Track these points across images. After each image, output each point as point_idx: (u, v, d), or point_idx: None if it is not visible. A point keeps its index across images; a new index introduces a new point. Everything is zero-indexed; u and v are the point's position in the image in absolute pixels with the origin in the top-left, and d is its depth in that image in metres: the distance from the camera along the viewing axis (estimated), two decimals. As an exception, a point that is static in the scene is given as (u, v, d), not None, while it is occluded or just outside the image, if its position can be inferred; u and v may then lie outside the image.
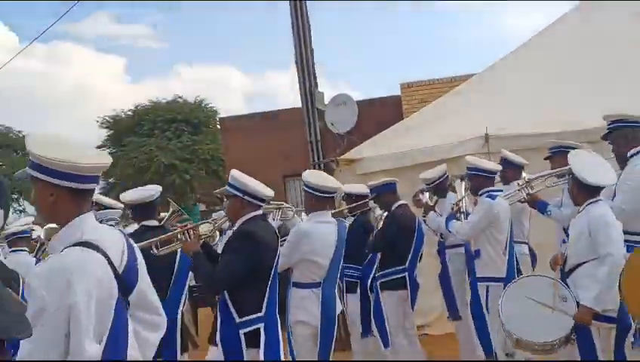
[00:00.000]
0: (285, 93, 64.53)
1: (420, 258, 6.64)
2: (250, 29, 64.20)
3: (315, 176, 5.51)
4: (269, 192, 4.58)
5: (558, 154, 5.99)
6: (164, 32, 63.56)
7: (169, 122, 28.29)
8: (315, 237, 5.12)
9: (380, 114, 13.99)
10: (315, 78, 11.60)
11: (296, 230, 5.23)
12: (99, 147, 31.17)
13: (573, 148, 5.46)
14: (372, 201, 6.80)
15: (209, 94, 46.06)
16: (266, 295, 4.27)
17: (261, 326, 4.23)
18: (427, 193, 6.89)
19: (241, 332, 4.17)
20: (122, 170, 28.38)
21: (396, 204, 6.58)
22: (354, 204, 6.81)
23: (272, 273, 4.35)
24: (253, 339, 4.19)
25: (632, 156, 5.06)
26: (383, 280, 6.42)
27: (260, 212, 4.51)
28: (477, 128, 8.16)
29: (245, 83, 59.10)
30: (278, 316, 4.41)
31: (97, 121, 32.04)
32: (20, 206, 32.80)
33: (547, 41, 10.24)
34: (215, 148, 26.43)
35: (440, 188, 7.01)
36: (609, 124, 5.27)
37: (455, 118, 9.32)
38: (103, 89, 56.46)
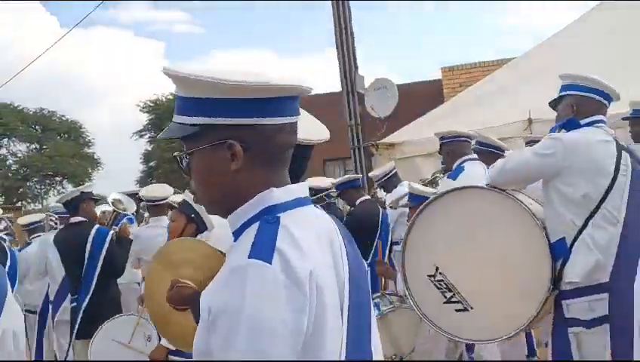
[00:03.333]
0: (326, 77, 63.91)
1: (390, 250, 6.76)
2: (286, 13, 64.19)
3: (146, 191, 6.82)
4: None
5: None
6: (200, 17, 64.84)
7: None
8: (143, 239, 6.31)
9: (420, 98, 14.08)
10: (355, 61, 11.61)
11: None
12: (139, 132, 33.22)
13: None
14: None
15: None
16: None
17: None
18: (381, 189, 7.43)
19: None
20: (162, 154, 29.29)
21: (360, 200, 6.82)
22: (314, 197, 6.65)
23: None
24: None
25: None
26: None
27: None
28: (519, 112, 8.10)
29: (282, 67, 62.33)
30: None
31: (138, 106, 33.14)
32: None
33: (591, 25, 10.05)
34: None
35: (389, 183, 7.36)
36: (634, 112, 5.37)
37: (496, 102, 9.25)
38: (142, 73, 58.26)
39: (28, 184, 33.89)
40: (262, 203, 1.46)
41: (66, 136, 35.28)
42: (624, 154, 3.83)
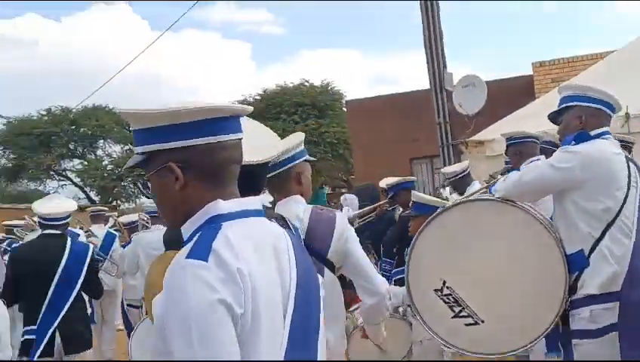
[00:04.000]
0: (411, 76, 50.81)
1: None
2: (372, 12, 53.56)
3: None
4: None
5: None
6: (286, 17, 56.57)
7: (296, 106, 27.88)
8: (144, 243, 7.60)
9: (510, 94, 13.75)
10: (444, 59, 11.86)
11: None
12: None
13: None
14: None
15: (333, 78, 39.53)
16: None
17: None
18: (448, 188, 7.33)
19: None
20: None
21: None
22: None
23: None
24: None
25: None
26: (396, 277, 6.40)
27: None
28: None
29: (369, 66, 57.33)
30: None
31: None
32: None
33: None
34: (341, 131, 25.71)
35: (461, 183, 7.07)
36: None
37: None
38: (230, 74, 55.91)
39: (122, 184, 32.70)
40: (208, 213, 1.65)
41: None
42: (632, 165, 3.87)
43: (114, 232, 9.21)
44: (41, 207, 5.49)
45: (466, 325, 3.83)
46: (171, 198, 1.69)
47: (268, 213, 1.87)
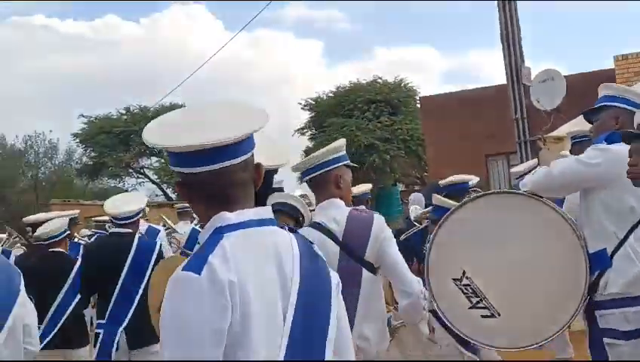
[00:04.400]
0: (486, 71, 54.61)
1: None
2: (446, 8, 52.92)
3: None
4: None
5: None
6: (359, 15, 56.39)
7: (369, 103, 27.68)
8: None
9: (591, 88, 13.86)
10: (521, 53, 11.68)
11: None
12: (301, 129, 31.64)
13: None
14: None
15: (407, 75, 36.83)
16: None
17: None
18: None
19: None
20: None
21: None
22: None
23: None
24: None
25: None
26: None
27: None
28: None
29: (443, 62, 57.11)
30: None
31: (300, 104, 30.82)
32: None
33: None
34: (414, 127, 25.27)
35: None
36: None
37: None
38: (303, 73, 56.08)
39: None
40: (214, 224, 1.82)
41: None
42: None
43: (199, 229, 9.17)
44: (111, 207, 5.68)
45: (482, 317, 3.83)
46: (194, 210, 2.00)
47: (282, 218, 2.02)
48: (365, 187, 7.50)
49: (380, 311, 3.55)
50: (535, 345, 3.84)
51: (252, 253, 1.79)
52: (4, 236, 9.61)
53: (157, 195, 32.79)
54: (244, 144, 1.83)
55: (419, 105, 24.15)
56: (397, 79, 29.81)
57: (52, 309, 5.57)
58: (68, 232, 6.19)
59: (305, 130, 32.79)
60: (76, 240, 8.16)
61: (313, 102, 31.98)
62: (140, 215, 5.86)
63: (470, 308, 3.85)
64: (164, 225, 8.82)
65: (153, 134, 1.87)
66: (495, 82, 15.65)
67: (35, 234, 5.82)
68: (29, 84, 56.88)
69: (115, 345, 5.16)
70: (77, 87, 56.51)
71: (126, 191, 26.51)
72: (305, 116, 32.28)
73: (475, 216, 3.95)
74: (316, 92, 33.07)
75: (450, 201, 5.09)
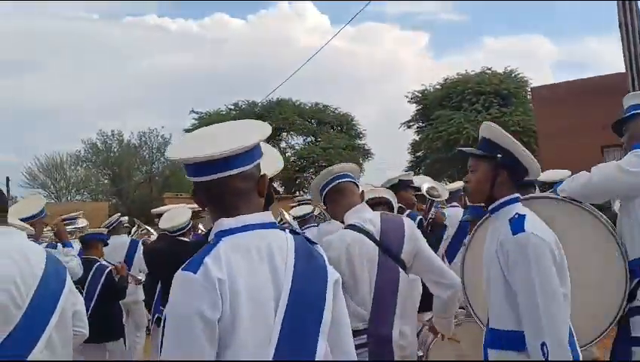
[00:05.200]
0: (602, 60, 51.26)
1: None
2: None
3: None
4: None
5: None
6: (464, 4, 53.21)
7: (477, 94, 27.60)
8: None
9: None
10: None
11: None
12: (407, 122, 33.15)
13: None
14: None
15: (516, 64, 31.44)
16: None
17: None
18: None
19: None
20: (430, 144, 29.26)
21: None
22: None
23: None
24: None
25: None
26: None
27: None
28: None
29: (555, 51, 54.68)
30: None
31: (406, 97, 31.94)
32: None
33: None
34: (526, 119, 25.06)
35: None
36: None
37: None
38: (408, 65, 57.04)
39: (304, 175, 34.46)
40: (216, 229, 2.12)
41: (339, 128, 36.21)
42: None
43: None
44: (163, 223, 6.22)
45: None
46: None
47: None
48: (458, 184, 7.54)
49: (414, 310, 3.72)
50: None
51: (245, 254, 2.04)
52: (133, 228, 10.39)
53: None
54: (240, 158, 2.09)
55: (530, 96, 23.87)
56: (507, 70, 29.71)
57: None
58: (191, 224, 6.52)
59: (412, 123, 33.29)
60: (200, 232, 8.46)
61: (420, 95, 32.19)
62: (190, 224, 6.34)
63: None
64: (280, 220, 8.79)
65: (171, 148, 2.30)
66: (612, 70, 14.82)
67: (163, 226, 6.20)
68: (143, 82, 59.85)
69: None
70: (188, 83, 58.83)
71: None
72: (411, 109, 32.95)
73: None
74: (422, 84, 33.21)
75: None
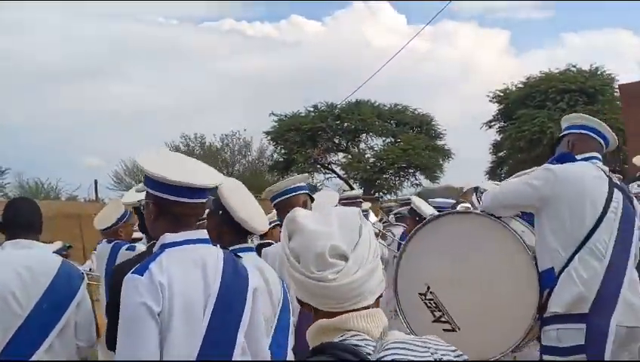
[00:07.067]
0: None
1: None
2: None
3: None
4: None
5: None
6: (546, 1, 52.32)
7: (562, 92, 27.10)
8: None
9: None
10: None
11: None
12: (489, 122, 32.88)
13: None
14: None
15: (600, 60, 35.70)
16: None
17: None
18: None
19: None
20: (513, 143, 29.01)
21: None
22: None
23: None
24: None
25: None
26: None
27: None
28: None
29: None
30: None
31: (487, 96, 31.38)
32: None
33: None
34: (613, 117, 22.65)
35: None
36: None
37: None
38: (489, 63, 54.87)
39: (384, 176, 34.51)
40: (161, 242, 2.62)
41: (418, 129, 35.69)
42: (616, 192, 3.83)
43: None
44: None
45: (444, 330, 3.97)
46: (150, 227, 2.79)
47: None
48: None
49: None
50: (493, 358, 3.97)
51: (182, 262, 2.57)
52: None
53: (344, 190, 33.58)
54: (212, 191, 2.83)
55: (617, 94, 23.23)
56: (592, 67, 28.99)
57: None
58: (277, 223, 6.47)
59: (493, 123, 32.90)
60: None
61: (501, 94, 31.66)
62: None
63: (433, 321, 4.03)
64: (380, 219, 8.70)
65: (148, 163, 2.68)
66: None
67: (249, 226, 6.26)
68: (224, 86, 59.66)
69: None
70: (267, 86, 58.20)
71: (315, 186, 27.75)
72: (493, 108, 32.46)
73: (439, 232, 4.14)
74: (504, 83, 32.36)
75: (424, 206, 5.62)
